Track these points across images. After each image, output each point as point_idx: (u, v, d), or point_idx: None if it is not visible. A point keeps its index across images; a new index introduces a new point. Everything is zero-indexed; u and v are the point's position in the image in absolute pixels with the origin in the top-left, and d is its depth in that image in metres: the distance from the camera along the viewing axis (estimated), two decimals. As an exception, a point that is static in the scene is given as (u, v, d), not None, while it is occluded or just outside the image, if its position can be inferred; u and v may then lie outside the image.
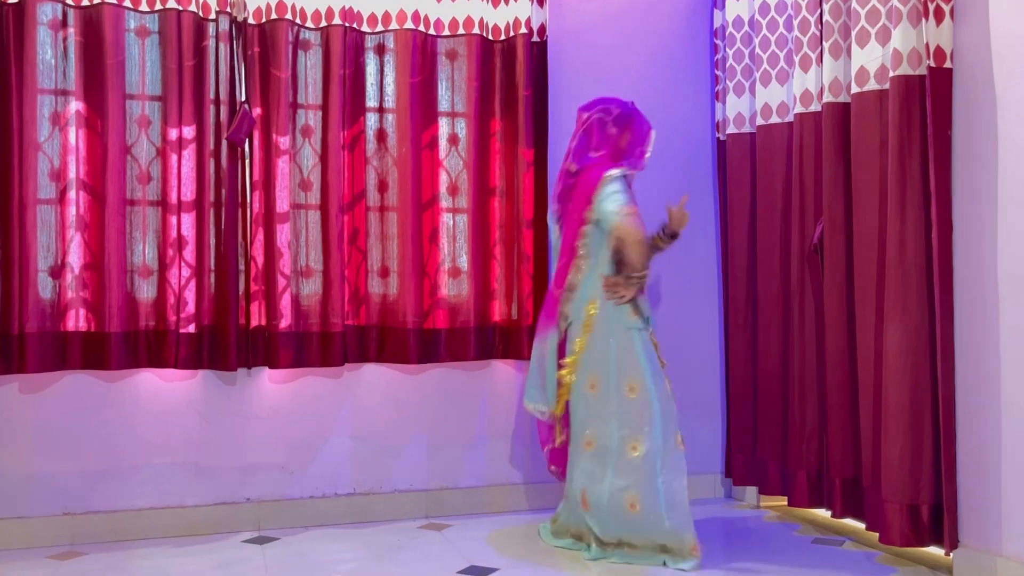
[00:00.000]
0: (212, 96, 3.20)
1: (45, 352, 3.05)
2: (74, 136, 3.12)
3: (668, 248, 3.10)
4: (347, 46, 3.36)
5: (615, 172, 2.95)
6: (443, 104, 3.52)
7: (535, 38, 3.52)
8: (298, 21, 3.33)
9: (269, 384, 3.36)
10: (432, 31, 3.48)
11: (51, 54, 3.11)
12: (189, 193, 3.21)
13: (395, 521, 3.42)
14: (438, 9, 3.49)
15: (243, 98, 3.25)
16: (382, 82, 3.47)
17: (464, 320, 3.48)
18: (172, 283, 3.19)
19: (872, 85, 2.89)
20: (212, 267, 3.21)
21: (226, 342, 3.18)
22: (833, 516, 3.16)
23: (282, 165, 3.30)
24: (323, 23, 3.35)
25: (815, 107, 3.23)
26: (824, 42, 3.11)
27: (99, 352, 3.11)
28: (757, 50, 3.48)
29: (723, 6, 3.71)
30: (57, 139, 3.11)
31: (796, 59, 3.27)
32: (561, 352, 3.05)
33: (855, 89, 2.94)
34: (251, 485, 3.33)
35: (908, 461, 2.72)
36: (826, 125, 3.11)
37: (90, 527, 3.14)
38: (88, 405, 3.18)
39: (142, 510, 3.20)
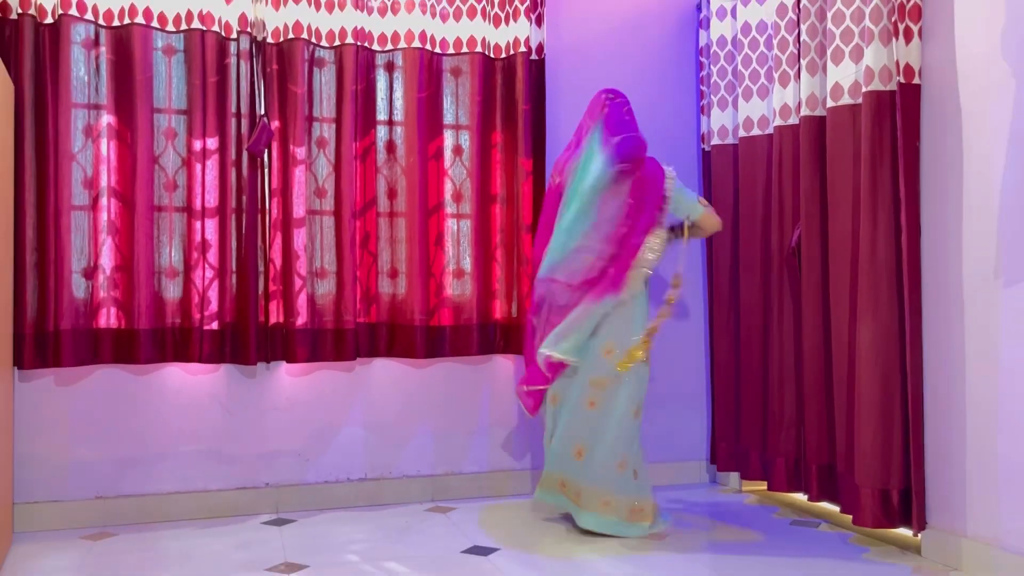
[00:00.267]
0: (234, 110, 3.20)
1: (79, 347, 3.06)
2: (106, 147, 3.12)
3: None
4: (359, 64, 3.36)
5: (672, 172, 3.06)
6: (448, 117, 3.52)
7: (534, 56, 3.52)
8: (313, 40, 3.33)
9: (287, 377, 3.36)
10: (438, 50, 3.48)
11: (84, 71, 3.11)
12: (212, 200, 3.21)
13: (403, 504, 3.42)
14: (443, 29, 3.49)
15: (262, 112, 3.25)
16: (391, 97, 3.47)
17: (467, 318, 3.48)
18: (196, 283, 3.19)
19: (846, 100, 2.89)
20: (234, 268, 3.21)
21: (247, 338, 3.18)
22: (810, 500, 3.16)
23: (299, 174, 3.30)
24: (337, 42, 3.35)
25: (793, 120, 3.23)
26: (801, 60, 3.11)
27: (129, 347, 3.12)
28: (739, 67, 3.48)
29: (708, 26, 3.71)
30: (90, 150, 3.11)
31: (776, 75, 3.27)
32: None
33: (830, 103, 2.94)
34: (270, 471, 3.33)
35: (879, 449, 2.72)
36: (803, 137, 3.11)
37: (121, 510, 3.14)
38: (118, 397, 3.18)
39: (169, 494, 3.20)
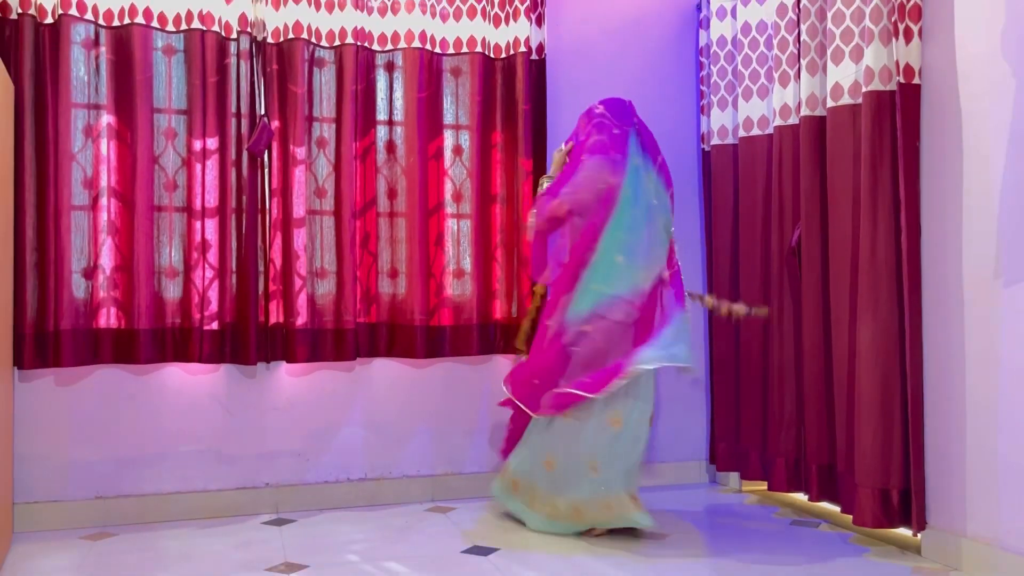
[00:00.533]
0: (234, 110, 3.20)
1: (79, 347, 3.05)
2: (106, 147, 3.12)
3: None
4: (359, 64, 3.36)
5: None
6: (448, 117, 3.52)
7: (534, 56, 3.52)
8: (313, 40, 3.33)
9: (286, 377, 3.36)
10: (438, 50, 3.48)
11: (84, 71, 3.11)
12: (212, 200, 3.21)
13: (403, 504, 3.42)
14: (443, 29, 3.49)
15: (262, 112, 3.24)
16: (391, 97, 3.46)
17: (467, 318, 3.48)
18: (196, 283, 3.19)
19: (846, 100, 2.89)
20: (234, 268, 3.21)
21: (247, 338, 3.18)
22: (810, 500, 3.15)
23: (299, 174, 3.30)
24: (337, 42, 3.35)
25: (793, 120, 3.23)
26: (801, 60, 3.11)
27: (129, 347, 3.11)
28: (739, 67, 3.48)
29: (708, 26, 3.71)
30: (90, 150, 3.11)
31: (775, 75, 3.27)
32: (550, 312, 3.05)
33: (830, 103, 2.94)
34: (270, 471, 3.33)
35: (879, 448, 2.72)
36: (803, 137, 3.10)
37: (120, 510, 3.14)
38: (118, 397, 3.18)
39: (169, 494, 3.20)
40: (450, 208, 3.51)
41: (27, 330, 2.97)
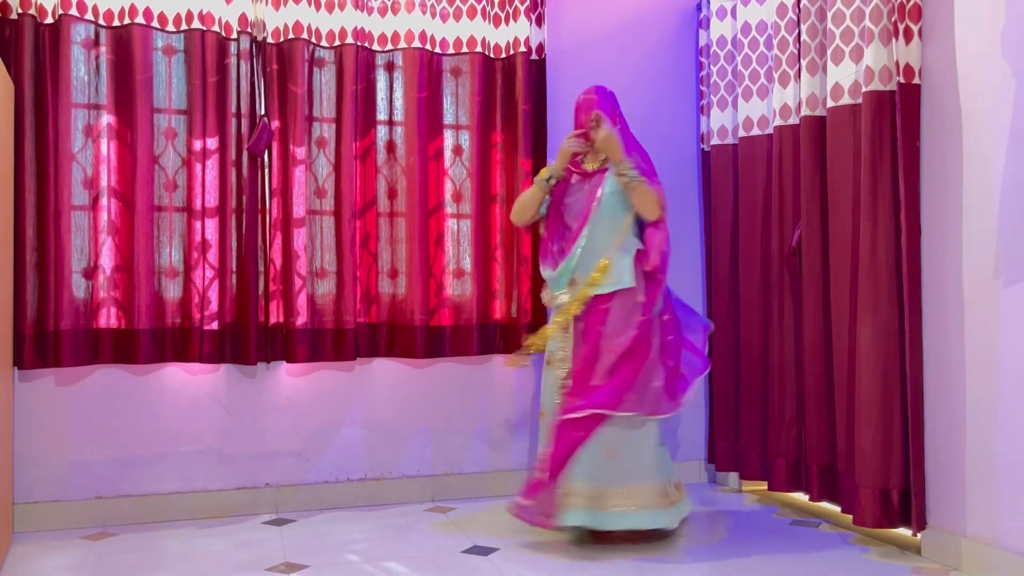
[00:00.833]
0: (234, 110, 3.20)
1: (79, 347, 3.05)
2: (106, 147, 3.12)
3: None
4: (359, 64, 3.36)
5: None
6: (448, 117, 3.52)
7: (533, 56, 3.52)
8: (313, 40, 3.33)
9: (286, 377, 3.36)
10: (438, 49, 3.48)
11: (84, 71, 3.11)
12: (212, 200, 3.21)
13: (403, 504, 3.42)
14: (443, 29, 3.49)
15: (262, 112, 3.24)
16: (391, 97, 3.46)
17: (467, 318, 3.48)
18: (196, 283, 3.19)
19: (846, 100, 2.88)
20: (234, 268, 3.21)
21: (247, 338, 3.18)
22: (811, 500, 3.15)
23: (299, 174, 3.30)
24: (337, 42, 3.35)
25: (793, 120, 3.23)
26: (801, 60, 3.11)
27: (129, 347, 3.11)
28: (739, 67, 3.48)
29: (708, 26, 3.71)
30: (90, 150, 3.11)
31: (775, 75, 3.27)
32: None
33: (830, 103, 2.94)
34: (270, 471, 3.33)
35: (879, 448, 2.71)
36: (803, 137, 3.10)
37: (120, 510, 3.14)
38: (119, 397, 3.18)
39: (169, 494, 3.20)
40: (450, 208, 3.51)
41: (27, 330, 2.97)
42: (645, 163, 3.04)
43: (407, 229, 3.42)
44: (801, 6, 3.11)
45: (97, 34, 3.12)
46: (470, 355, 3.49)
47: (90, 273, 3.10)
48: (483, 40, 3.51)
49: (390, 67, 3.46)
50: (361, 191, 3.39)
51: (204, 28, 3.19)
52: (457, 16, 3.50)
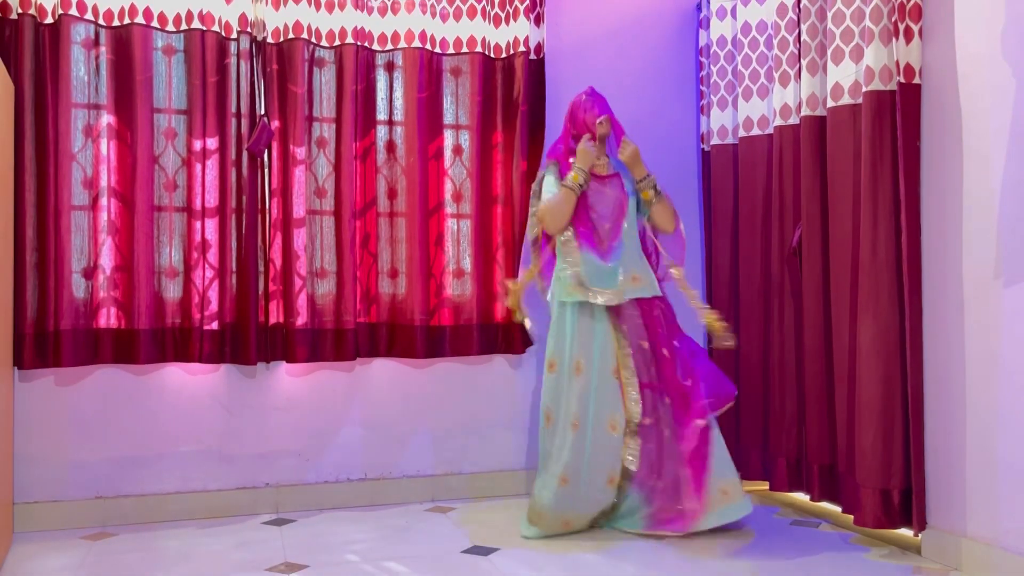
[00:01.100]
0: (234, 110, 3.20)
1: (78, 347, 3.06)
2: (106, 147, 3.12)
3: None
4: (359, 63, 3.36)
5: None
6: (448, 117, 3.52)
7: (533, 56, 3.52)
8: (313, 40, 3.33)
9: (286, 377, 3.36)
10: (438, 49, 3.48)
11: (84, 71, 3.11)
12: (212, 200, 3.21)
13: (403, 504, 3.42)
14: (443, 29, 3.49)
15: (262, 112, 3.25)
16: (391, 97, 3.47)
17: (467, 318, 3.48)
18: (196, 283, 3.19)
19: (846, 99, 2.89)
20: (234, 268, 3.21)
21: (247, 338, 3.18)
22: (812, 500, 3.16)
23: (299, 174, 3.30)
24: (337, 42, 3.35)
25: (793, 120, 3.23)
26: (802, 60, 3.11)
27: (129, 347, 3.12)
28: (739, 67, 3.48)
29: (708, 26, 3.71)
30: (90, 150, 3.11)
31: (776, 75, 3.27)
32: None
33: (830, 103, 2.94)
34: (270, 471, 3.33)
35: (880, 449, 2.72)
36: (804, 137, 3.10)
37: (120, 510, 3.14)
38: (118, 397, 3.18)
39: (168, 494, 3.20)
40: (450, 208, 3.51)
41: (27, 330, 2.98)
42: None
43: (407, 229, 3.42)
44: (801, 6, 3.11)
45: (97, 34, 3.12)
46: (470, 355, 3.50)
47: (90, 273, 3.10)
48: (483, 40, 3.51)
49: (390, 67, 3.46)
50: (361, 191, 3.39)
51: (204, 28, 3.19)
52: (457, 16, 3.50)
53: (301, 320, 3.26)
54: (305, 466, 3.37)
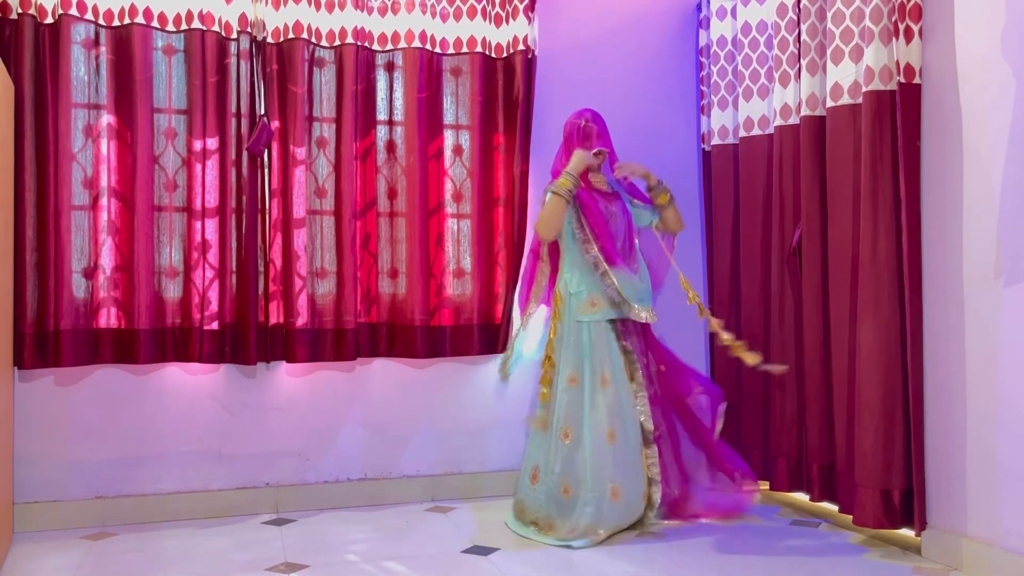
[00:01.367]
0: (234, 110, 3.20)
1: (78, 347, 3.06)
2: (106, 147, 3.12)
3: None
4: (359, 63, 3.36)
5: None
6: (448, 117, 3.52)
7: (532, 56, 3.52)
8: (313, 40, 3.33)
9: (287, 377, 3.36)
10: (438, 49, 3.48)
11: (84, 71, 3.11)
12: (212, 200, 3.21)
13: (403, 504, 3.42)
14: (443, 29, 3.49)
15: (262, 112, 3.25)
16: (391, 97, 3.47)
17: (468, 318, 3.48)
18: (197, 284, 3.19)
19: (845, 99, 2.89)
20: (234, 269, 3.21)
21: (247, 338, 3.18)
22: (811, 500, 3.16)
23: (299, 174, 3.30)
24: (337, 42, 3.35)
25: (793, 120, 3.23)
26: (801, 60, 3.11)
27: (129, 347, 3.12)
28: (740, 67, 3.48)
29: (708, 26, 3.71)
30: (90, 150, 3.12)
31: (776, 75, 3.27)
32: None
33: (830, 103, 2.94)
34: (270, 471, 3.33)
35: (881, 449, 2.72)
36: (804, 137, 3.11)
37: (120, 510, 3.14)
38: (118, 397, 3.18)
39: (169, 494, 3.20)
40: (450, 208, 3.51)
41: (27, 330, 2.98)
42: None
43: (407, 229, 3.42)
44: (801, 6, 3.11)
45: (97, 34, 3.12)
46: (471, 355, 3.50)
47: (90, 273, 3.10)
48: (483, 40, 3.51)
49: (390, 67, 3.46)
50: (361, 191, 3.40)
51: (204, 28, 3.19)
52: (457, 16, 3.50)
53: (301, 320, 3.26)
54: (305, 466, 3.37)
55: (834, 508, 3.08)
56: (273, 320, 3.26)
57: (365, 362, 3.45)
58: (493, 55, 3.53)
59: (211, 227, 3.20)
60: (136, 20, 3.13)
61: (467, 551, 2.80)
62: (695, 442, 3.14)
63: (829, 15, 2.92)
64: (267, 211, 3.27)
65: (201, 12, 3.19)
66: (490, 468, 3.57)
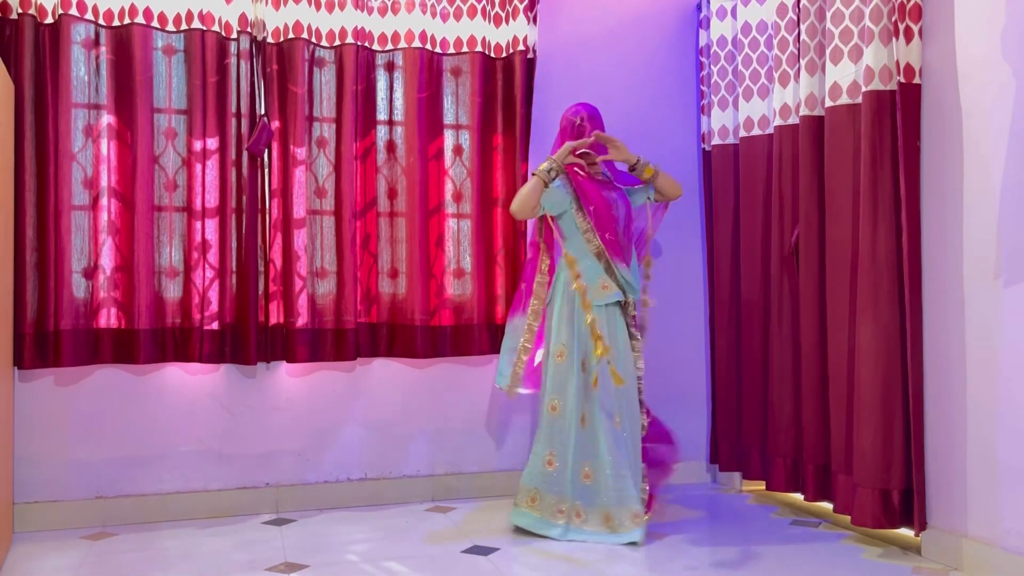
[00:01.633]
0: (234, 110, 3.20)
1: (79, 347, 3.06)
2: (106, 147, 3.12)
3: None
4: (359, 63, 3.36)
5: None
6: (448, 117, 3.52)
7: (532, 55, 3.52)
8: (314, 40, 3.33)
9: (287, 377, 3.36)
10: (438, 49, 3.48)
11: (84, 71, 3.11)
12: (212, 200, 3.21)
13: (404, 504, 3.42)
14: (443, 29, 3.49)
15: (263, 112, 3.25)
16: (392, 97, 3.47)
17: (468, 318, 3.48)
18: (197, 284, 3.19)
19: (844, 99, 2.89)
20: (234, 269, 3.21)
21: (247, 338, 3.18)
22: (806, 499, 3.15)
23: (299, 174, 3.30)
24: (337, 42, 3.35)
25: (793, 120, 3.23)
26: (801, 60, 3.11)
27: (129, 347, 3.12)
28: (740, 67, 3.48)
29: (708, 26, 3.71)
30: (90, 150, 3.12)
31: (775, 75, 3.27)
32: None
33: (829, 103, 2.94)
34: (270, 471, 3.33)
35: (880, 449, 2.72)
36: (803, 137, 3.11)
37: (120, 510, 3.14)
38: (118, 397, 3.18)
39: (169, 494, 3.20)
40: (450, 208, 3.51)
41: (27, 330, 2.98)
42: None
43: (407, 229, 3.42)
44: (801, 6, 3.11)
45: (97, 34, 3.12)
46: (471, 355, 3.50)
47: (90, 273, 3.10)
48: (483, 40, 3.51)
49: (390, 67, 3.46)
50: (361, 191, 3.40)
51: (204, 28, 3.19)
52: (457, 16, 3.50)
53: (301, 320, 3.26)
54: (305, 466, 3.37)
55: (832, 508, 3.08)
56: (273, 320, 3.26)
57: (365, 362, 3.45)
58: (493, 55, 3.53)
59: (211, 227, 3.20)
60: (136, 20, 3.13)
61: (467, 551, 2.80)
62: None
63: (829, 15, 2.92)
64: (267, 211, 3.27)
65: (201, 12, 3.19)
66: (490, 468, 3.57)
